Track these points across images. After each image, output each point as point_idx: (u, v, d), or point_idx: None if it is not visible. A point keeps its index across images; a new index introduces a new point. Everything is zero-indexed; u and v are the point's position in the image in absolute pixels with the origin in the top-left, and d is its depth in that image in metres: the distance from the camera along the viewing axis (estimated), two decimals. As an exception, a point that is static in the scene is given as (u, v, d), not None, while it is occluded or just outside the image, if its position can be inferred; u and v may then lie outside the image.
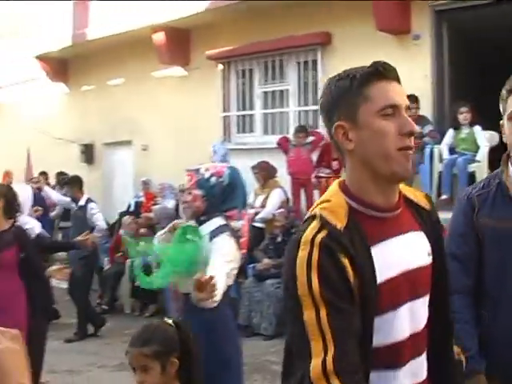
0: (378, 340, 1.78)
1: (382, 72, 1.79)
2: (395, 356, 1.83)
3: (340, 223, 1.75)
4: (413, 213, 1.94)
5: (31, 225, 6.03)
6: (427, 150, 8.22)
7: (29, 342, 4.68)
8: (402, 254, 1.83)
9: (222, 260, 3.23)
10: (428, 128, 8.34)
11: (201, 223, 3.44)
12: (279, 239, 8.37)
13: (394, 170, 1.77)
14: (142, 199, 11.66)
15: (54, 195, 9.78)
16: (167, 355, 2.56)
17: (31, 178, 13.68)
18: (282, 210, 8.74)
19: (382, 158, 1.77)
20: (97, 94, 13.60)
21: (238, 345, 3.54)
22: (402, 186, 1.94)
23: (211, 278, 2.85)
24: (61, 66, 14.31)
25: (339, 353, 1.65)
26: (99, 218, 8.40)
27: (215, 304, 3.07)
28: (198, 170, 3.54)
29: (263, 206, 9.08)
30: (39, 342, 5.01)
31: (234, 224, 3.42)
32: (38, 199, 9.49)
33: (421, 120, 8.27)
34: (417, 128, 1.83)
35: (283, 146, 9.28)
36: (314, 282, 1.68)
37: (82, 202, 8.70)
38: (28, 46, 14.20)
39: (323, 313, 1.68)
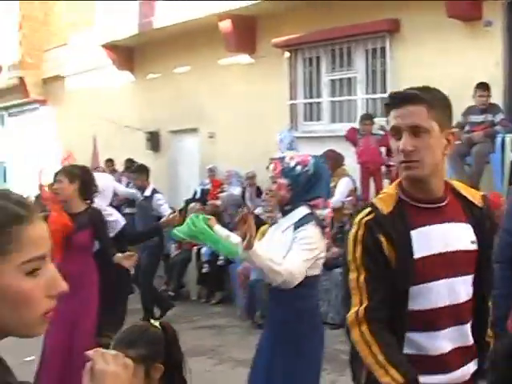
0: (416, 305, 2.26)
1: None
2: (433, 320, 2.27)
3: (386, 209, 2.29)
4: (463, 207, 2.37)
5: (115, 217, 6.21)
6: (498, 139, 8.13)
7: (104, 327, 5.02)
8: (440, 238, 2.28)
9: (305, 247, 3.30)
10: (499, 116, 8.25)
11: (285, 213, 3.49)
12: (347, 227, 8.39)
13: None
14: (209, 186, 11.88)
15: (120, 189, 9.73)
16: (152, 360, 2.46)
17: (97, 166, 14.02)
18: (350, 198, 8.79)
19: None
20: (163, 82, 13.84)
21: (323, 336, 3.59)
22: (460, 185, 2.46)
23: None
24: (127, 55, 14.62)
25: (370, 306, 2.23)
26: (166, 209, 8.43)
27: (293, 284, 3.23)
28: (282, 159, 3.54)
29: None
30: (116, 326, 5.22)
31: (320, 212, 3.44)
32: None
33: (492, 108, 8.22)
34: None
35: (351, 137, 9.30)
36: (358, 252, 2.27)
37: (147, 193, 8.84)
38: (95, 35, 14.55)
39: (362, 276, 2.26)
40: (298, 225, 3.36)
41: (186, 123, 13.29)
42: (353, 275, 2.29)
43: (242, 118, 11.86)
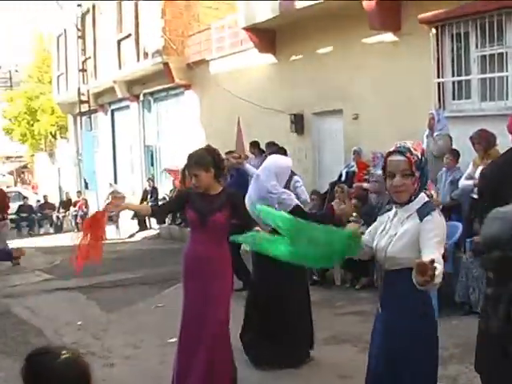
0: None
1: None
2: None
3: None
4: None
5: (289, 197, 6.48)
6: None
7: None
8: None
9: (437, 239, 3.31)
10: None
11: (406, 204, 3.51)
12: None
13: None
14: (354, 169, 12.01)
15: (252, 170, 9.79)
16: None
17: (241, 149, 14.51)
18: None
19: None
20: (305, 63, 14.14)
21: (435, 327, 3.55)
22: None
23: (432, 261, 2.90)
24: (269, 37, 15.00)
25: None
26: (303, 191, 8.45)
27: (437, 286, 3.13)
28: (410, 151, 3.43)
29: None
30: None
31: (431, 194, 3.54)
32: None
33: None
34: None
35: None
36: None
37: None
38: (238, 18, 15.02)
39: None
40: (423, 213, 3.40)
41: (330, 104, 13.50)
42: None
43: (387, 98, 11.92)
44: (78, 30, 25.19)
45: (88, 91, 24.59)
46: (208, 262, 5.38)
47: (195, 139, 18.84)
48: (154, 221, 19.73)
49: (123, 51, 22.21)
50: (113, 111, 26.32)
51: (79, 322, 8.96)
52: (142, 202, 20.60)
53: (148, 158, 23.29)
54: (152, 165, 23.14)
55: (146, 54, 20.04)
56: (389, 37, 12.00)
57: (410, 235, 3.40)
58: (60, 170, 35.65)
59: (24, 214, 26.61)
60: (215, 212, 5.40)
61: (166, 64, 18.73)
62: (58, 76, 30.22)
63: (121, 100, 24.04)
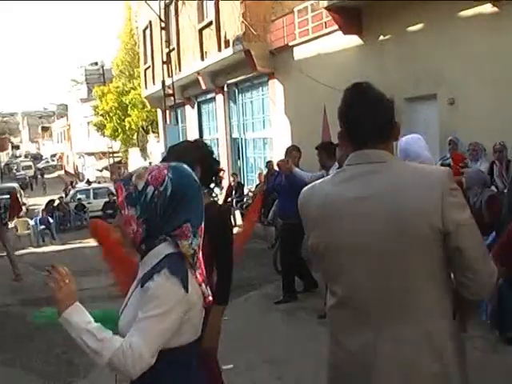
0: None
1: None
2: None
3: None
4: None
5: None
6: None
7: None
8: None
9: (153, 312, 2.32)
10: None
11: (143, 254, 2.53)
12: None
13: None
14: (449, 161, 10.77)
15: (304, 175, 8.67)
16: None
17: (328, 138, 13.57)
18: None
19: None
20: (395, 43, 12.93)
21: None
22: None
23: None
24: (354, 17, 13.84)
25: None
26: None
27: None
28: (127, 181, 2.50)
29: None
30: None
31: (186, 243, 2.49)
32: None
33: None
34: None
35: None
36: None
37: (331, 172, 7.99)
38: (320, -1, 13.96)
39: None
40: (148, 275, 2.38)
41: (423, 88, 12.26)
42: None
43: (488, 81, 10.56)
44: (162, 21, 24.68)
45: (173, 84, 23.99)
46: None
47: (280, 131, 18.01)
48: (239, 218, 18.90)
49: (205, 41, 21.50)
50: (199, 104, 25.80)
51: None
52: (226, 199, 19.94)
53: (235, 151, 22.54)
54: (239, 158, 22.41)
55: (227, 42, 19.17)
56: (488, 8, 10.55)
57: (133, 309, 2.40)
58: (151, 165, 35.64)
59: (110, 211, 26.39)
60: None
61: (247, 51, 17.75)
62: (145, 70, 30.01)
63: (206, 92, 23.51)
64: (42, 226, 23.86)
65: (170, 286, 2.32)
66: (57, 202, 29.03)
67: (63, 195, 32.98)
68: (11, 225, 23.09)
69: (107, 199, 27.78)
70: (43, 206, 29.04)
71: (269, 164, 16.26)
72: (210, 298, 2.52)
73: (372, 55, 13.67)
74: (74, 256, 17.99)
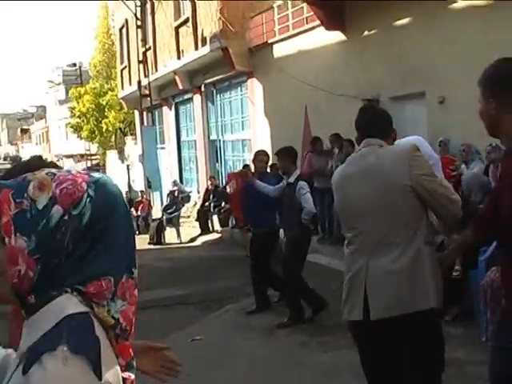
0: None
1: None
2: None
3: None
4: None
5: None
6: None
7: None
8: None
9: None
10: None
11: (30, 310, 1.43)
12: None
13: None
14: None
15: (266, 189, 8.38)
16: None
17: (309, 140, 12.92)
18: None
19: None
20: (380, 39, 12.18)
21: None
22: None
23: None
24: (336, 11, 13.05)
25: None
26: (308, 200, 7.80)
27: None
28: (20, 190, 1.41)
29: None
30: None
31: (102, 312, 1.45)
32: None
33: None
34: None
35: None
36: None
37: (291, 179, 8.02)
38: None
39: None
40: (33, 355, 1.33)
41: (411, 87, 11.50)
42: None
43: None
44: (137, 19, 23.82)
45: (149, 84, 23.13)
46: None
47: (260, 132, 17.22)
48: (216, 223, 18.06)
49: (182, 39, 20.65)
50: (177, 104, 24.96)
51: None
52: (203, 203, 19.12)
53: (213, 153, 21.70)
54: (217, 161, 21.56)
55: (204, 40, 18.32)
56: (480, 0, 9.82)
57: None
58: (129, 168, 34.71)
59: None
60: None
61: (224, 49, 16.89)
62: (122, 70, 29.11)
63: (184, 93, 22.70)
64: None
65: (70, 375, 1.31)
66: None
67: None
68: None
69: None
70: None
71: (246, 168, 15.41)
72: None
73: (356, 52, 12.88)
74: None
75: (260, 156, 9.06)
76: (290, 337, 7.39)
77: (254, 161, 9.31)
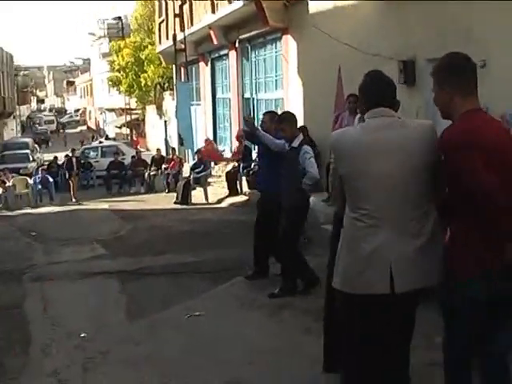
0: None
1: None
2: None
3: None
4: None
5: None
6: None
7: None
8: None
9: None
10: None
11: None
12: None
13: None
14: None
15: (268, 139, 8.17)
16: None
17: (342, 101, 12.18)
18: None
19: None
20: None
21: None
22: None
23: None
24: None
25: None
26: (312, 165, 7.52)
27: None
28: None
29: None
30: None
31: None
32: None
33: None
34: None
35: None
36: None
37: (295, 144, 7.70)
38: None
39: None
40: None
41: (449, 48, 10.36)
42: None
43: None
44: (175, -30, 22.97)
45: (185, 39, 22.33)
46: None
47: (293, 92, 16.42)
48: (245, 185, 17.42)
49: (217, -9, 19.78)
50: (213, 60, 24.19)
51: (83, 335, 6.74)
52: (234, 164, 18.51)
53: (246, 112, 20.97)
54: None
55: (238, -7, 17.44)
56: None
57: None
58: (167, 124, 34.25)
59: (114, 171, 24.91)
60: None
61: (258, 3, 15.98)
62: (160, 24, 28.34)
63: (219, 48, 21.91)
64: (40, 186, 22.40)
65: None
66: (64, 159, 27.42)
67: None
68: (10, 183, 21.89)
69: (113, 158, 26.31)
70: (62, 160, 27.52)
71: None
72: None
73: (393, 10, 11.92)
74: (64, 220, 16.66)
75: (265, 117, 8.89)
76: (295, 319, 6.74)
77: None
